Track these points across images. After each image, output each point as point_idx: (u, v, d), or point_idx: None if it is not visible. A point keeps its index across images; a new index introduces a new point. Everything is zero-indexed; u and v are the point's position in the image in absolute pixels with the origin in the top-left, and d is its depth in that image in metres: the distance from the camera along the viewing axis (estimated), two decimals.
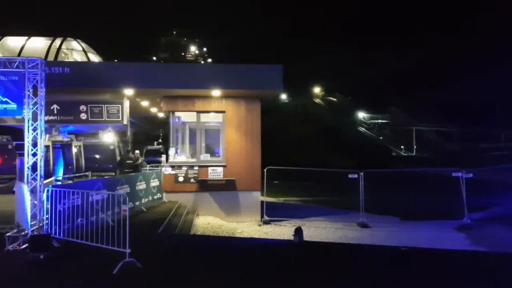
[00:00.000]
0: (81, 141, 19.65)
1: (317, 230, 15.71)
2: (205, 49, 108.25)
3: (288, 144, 52.46)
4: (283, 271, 7.95)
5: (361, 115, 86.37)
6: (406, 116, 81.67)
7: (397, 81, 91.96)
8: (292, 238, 12.43)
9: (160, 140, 28.06)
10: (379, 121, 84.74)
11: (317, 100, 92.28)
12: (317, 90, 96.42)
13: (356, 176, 17.02)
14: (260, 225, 16.64)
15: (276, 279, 7.46)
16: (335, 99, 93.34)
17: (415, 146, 74.67)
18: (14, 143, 18.83)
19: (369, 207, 17.31)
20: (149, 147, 25.98)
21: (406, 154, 72.38)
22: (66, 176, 17.22)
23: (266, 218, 17.02)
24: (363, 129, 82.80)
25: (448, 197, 17.93)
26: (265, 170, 17.48)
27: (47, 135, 18.06)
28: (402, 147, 74.59)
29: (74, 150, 18.87)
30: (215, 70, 17.64)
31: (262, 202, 17.45)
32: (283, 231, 15.61)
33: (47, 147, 17.39)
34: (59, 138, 18.64)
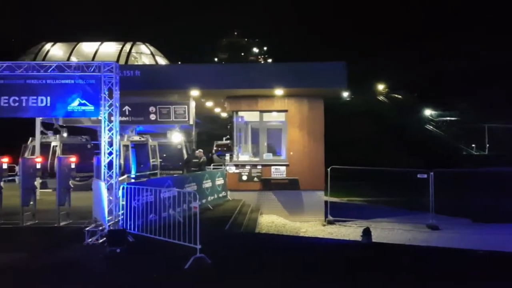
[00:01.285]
0: (156, 141, 20.71)
1: (384, 232, 15.25)
2: (265, 48, 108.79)
3: (350, 143, 51.38)
4: (352, 272, 7.80)
5: (428, 112, 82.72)
6: (477, 113, 77.09)
7: (466, 76, 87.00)
8: (358, 239, 12.21)
9: (228, 136, 28.91)
10: (448, 118, 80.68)
11: (381, 98, 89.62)
12: (380, 87, 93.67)
13: (425, 176, 16.31)
14: (324, 225, 16.46)
15: (344, 280, 7.35)
16: (400, 96, 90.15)
17: (487, 145, 70.25)
18: (92, 142, 20.10)
19: (439, 208, 16.52)
20: (219, 142, 27.23)
21: (477, 153, 68.35)
22: (138, 174, 18.09)
23: (330, 218, 16.80)
24: (431, 127, 79.25)
25: None
26: (328, 169, 17.26)
27: (126, 135, 19.20)
28: (473, 145, 70.52)
29: (150, 149, 19.93)
30: (277, 69, 17.66)
31: (325, 202, 17.26)
32: (348, 231, 15.33)
33: (126, 146, 18.52)
34: (136, 138, 19.74)
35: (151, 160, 19.83)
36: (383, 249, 10.42)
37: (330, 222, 16.60)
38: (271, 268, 7.93)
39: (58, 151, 18.31)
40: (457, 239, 14.10)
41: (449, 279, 7.57)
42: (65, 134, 19.71)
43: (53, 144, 18.69)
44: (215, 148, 28.04)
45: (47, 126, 19.09)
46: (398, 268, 8.25)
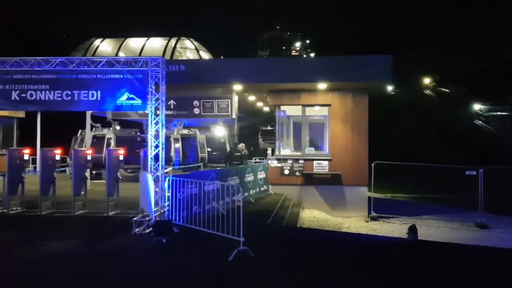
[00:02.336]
0: (204, 134, 21.22)
1: (430, 229, 14.84)
2: (308, 41, 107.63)
3: (394, 137, 50.13)
4: (396, 270, 7.65)
5: (477, 107, 79.26)
6: None
7: None
8: (403, 236, 11.93)
9: (273, 123, 29.52)
10: (499, 113, 76.99)
11: (427, 92, 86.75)
12: (427, 80, 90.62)
13: (474, 172, 15.71)
14: (367, 221, 16.21)
15: (388, 278, 7.22)
16: (447, 90, 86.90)
17: None
18: (142, 135, 20.77)
19: (489, 206, 15.90)
20: (264, 128, 27.86)
21: None
22: (184, 166, 18.54)
23: (373, 214, 16.52)
24: (480, 122, 75.94)
25: None
26: (372, 165, 16.95)
27: (175, 129, 19.75)
28: None
29: (198, 142, 20.44)
30: (321, 63, 17.44)
31: (369, 197, 16.97)
32: (392, 228, 15.04)
33: (176, 139, 19.07)
34: (185, 131, 20.24)
35: (199, 153, 20.30)
36: (430, 247, 10.15)
37: (374, 219, 16.33)
38: (313, 263, 7.91)
39: (112, 143, 19.05)
40: (508, 238, 13.53)
41: (498, 281, 7.27)
42: (118, 127, 20.47)
43: (107, 136, 19.47)
44: (260, 134, 30.03)
45: (94, 119, 19.83)
46: (446, 268, 8.02)
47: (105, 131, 19.93)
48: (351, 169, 16.90)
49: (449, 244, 11.06)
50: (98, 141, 18.88)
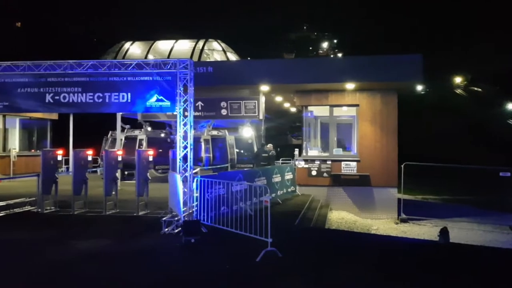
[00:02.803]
0: (233, 135, 21.43)
1: (462, 232, 14.48)
2: (335, 40, 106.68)
3: (424, 138, 49.16)
4: (427, 273, 7.48)
5: (511, 106, 76.78)
6: None
7: None
8: (434, 238, 11.70)
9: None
10: None
11: (458, 91, 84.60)
12: (458, 80, 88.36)
13: (508, 174, 15.22)
14: (397, 223, 15.95)
15: (419, 281, 7.08)
16: (479, 89, 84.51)
17: None
18: (172, 136, 21.11)
19: None
20: (293, 125, 28.50)
21: None
22: (212, 167, 18.74)
23: (403, 216, 16.23)
24: None
25: None
26: (402, 166, 16.65)
27: (206, 130, 20.02)
28: None
29: (228, 143, 20.66)
30: (349, 63, 17.28)
31: (398, 199, 16.69)
32: (422, 230, 14.75)
33: (206, 140, 19.33)
34: (214, 132, 20.46)
35: (229, 154, 20.47)
36: (462, 250, 9.88)
37: (403, 220, 16.06)
38: (342, 264, 7.84)
39: (144, 144, 19.44)
40: None
41: None
42: (149, 128, 20.87)
43: (139, 137, 19.87)
44: (289, 130, 31.11)
45: (124, 121, 20.23)
46: (478, 272, 7.79)
47: (136, 132, 20.34)
48: (380, 170, 16.66)
49: (482, 247, 10.75)
50: (130, 142, 19.29)
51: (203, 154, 19.37)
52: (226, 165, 19.53)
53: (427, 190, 24.86)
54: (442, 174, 22.37)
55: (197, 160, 19.31)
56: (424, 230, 14.80)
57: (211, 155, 19.39)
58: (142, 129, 20.46)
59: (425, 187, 25.16)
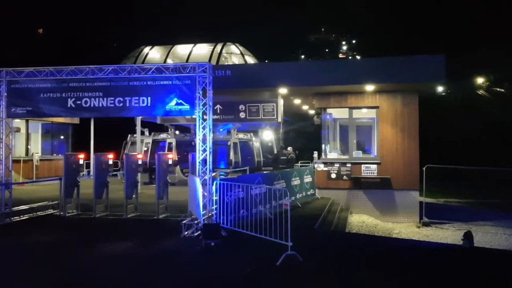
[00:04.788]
0: (258, 138, 21.52)
1: (486, 236, 14.15)
2: (354, 41, 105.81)
3: (446, 140, 48.33)
4: (451, 278, 7.30)
5: None
6: None
7: None
8: (458, 242, 11.44)
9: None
10: None
11: (481, 92, 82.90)
12: (480, 80, 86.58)
13: None
14: (419, 227, 15.67)
15: (442, 286, 6.91)
16: (503, 90, 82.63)
17: None
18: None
19: None
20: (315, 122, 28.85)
21: None
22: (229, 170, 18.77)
23: (425, 219, 15.95)
24: None
25: None
26: (424, 168, 16.37)
27: (233, 133, 20.15)
28: None
29: (254, 146, 20.75)
30: (369, 65, 17.06)
31: (420, 202, 16.40)
32: (445, 234, 14.46)
33: (235, 144, 19.48)
34: (241, 135, 20.56)
35: (255, 157, 20.54)
36: (487, 254, 9.63)
37: (426, 224, 15.77)
38: (363, 269, 7.71)
39: (173, 148, 19.63)
40: None
41: None
42: (177, 132, 21.07)
43: (168, 141, 20.08)
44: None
45: (142, 124, 20.41)
46: (504, 277, 7.56)
47: (163, 135, 20.54)
48: (401, 173, 16.42)
49: (508, 252, 10.46)
50: (157, 146, 19.51)
51: (232, 157, 19.45)
52: (245, 168, 19.50)
53: (450, 193, 24.38)
54: (465, 177, 21.94)
55: (226, 163, 19.45)
56: (448, 234, 14.51)
57: (239, 158, 19.48)
58: (170, 132, 20.68)
59: (448, 190, 24.69)
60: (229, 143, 19.80)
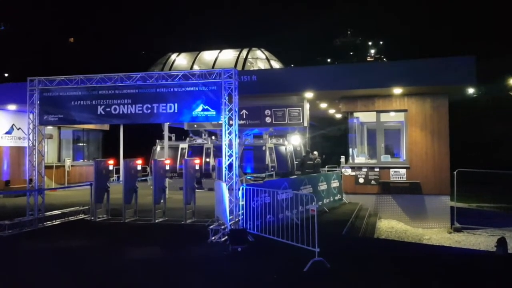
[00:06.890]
0: (290, 143, 21.61)
1: None
2: (381, 42, 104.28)
3: (478, 143, 47.06)
4: (484, 286, 7.07)
5: None
6: None
7: None
8: (491, 249, 11.09)
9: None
10: None
11: None
12: None
13: None
14: (450, 233, 15.26)
15: None
16: None
17: None
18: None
19: None
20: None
21: None
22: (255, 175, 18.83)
23: (457, 225, 15.52)
24: None
25: None
26: (455, 172, 15.95)
27: (268, 138, 20.29)
28: None
29: (287, 151, 20.84)
30: (396, 68, 16.75)
31: (451, 207, 15.97)
32: (478, 240, 14.03)
33: (270, 148, 19.62)
34: (274, 141, 20.65)
35: (289, 161, 20.58)
36: None
37: (457, 230, 15.35)
38: (392, 276, 7.55)
39: (211, 153, 19.82)
40: None
41: None
42: (213, 137, 21.28)
43: (205, 146, 20.27)
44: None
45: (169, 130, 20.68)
46: None
47: (199, 141, 20.72)
48: (431, 177, 16.05)
49: None
50: (194, 151, 19.72)
51: (268, 162, 19.51)
52: (271, 172, 19.51)
53: (483, 198, 23.67)
54: (498, 181, 21.25)
55: (263, 168, 19.50)
56: (480, 240, 14.07)
57: (275, 163, 19.55)
58: (205, 138, 20.85)
59: (480, 194, 23.99)
60: (264, 148, 19.83)
